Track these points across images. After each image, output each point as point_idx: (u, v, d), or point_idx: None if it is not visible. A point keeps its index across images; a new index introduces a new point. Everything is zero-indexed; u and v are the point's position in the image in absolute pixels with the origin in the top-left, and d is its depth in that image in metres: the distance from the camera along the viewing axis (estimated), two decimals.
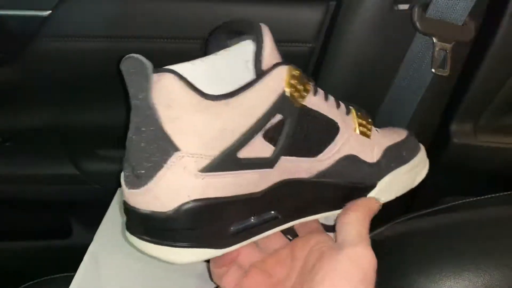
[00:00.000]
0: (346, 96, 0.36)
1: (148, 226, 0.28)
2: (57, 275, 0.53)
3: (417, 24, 0.39)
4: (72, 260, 0.46)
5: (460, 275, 0.44)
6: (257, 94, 0.27)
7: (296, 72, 0.29)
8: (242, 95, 0.27)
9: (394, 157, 0.35)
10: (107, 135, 0.54)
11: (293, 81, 0.29)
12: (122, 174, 0.28)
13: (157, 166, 0.26)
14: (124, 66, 0.26)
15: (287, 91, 0.28)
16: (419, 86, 0.43)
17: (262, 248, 0.36)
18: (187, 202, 0.26)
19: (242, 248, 0.33)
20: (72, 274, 0.45)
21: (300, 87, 0.29)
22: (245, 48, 0.30)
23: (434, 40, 0.40)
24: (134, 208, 0.27)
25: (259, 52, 0.28)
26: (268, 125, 0.28)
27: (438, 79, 0.43)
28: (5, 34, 0.44)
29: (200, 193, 0.26)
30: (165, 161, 0.26)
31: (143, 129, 0.26)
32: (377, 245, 0.48)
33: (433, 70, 0.40)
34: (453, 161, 0.56)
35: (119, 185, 0.55)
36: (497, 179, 0.58)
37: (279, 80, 0.28)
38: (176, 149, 0.26)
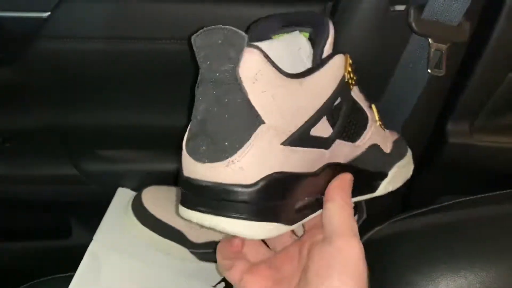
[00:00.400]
0: None
1: (223, 200, 0.27)
2: (57, 275, 0.53)
3: (413, 25, 0.40)
4: (72, 260, 0.46)
5: (456, 274, 0.44)
6: (324, 77, 0.29)
7: (351, 62, 0.32)
8: (312, 76, 0.28)
9: (397, 151, 0.39)
10: (107, 136, 0.55)
11: (349, 69, 0.31)
12: (189, 149, 0.28)
13: (243, 138, 0.26)
14: (208, 37, 0.26)
15: (346, 76, 0.31)
16: (415, 87, 0.44)
17: (271, 246, 0.36)
18: (270, 175, 0.27)
19: (250, 245, 0.35)
20: (72, 274, 0.45)
21: (353, 75, 0.32)
22: (296, 38, 0.32)
23: (430, 41, 0.40)
24: (208, 182, 0.27)
25: (324, 41, 0.30)
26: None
27: (434, 80, 0.43)
28: (4, 35, 0.44)
29: (280, 167, 0.27)
30: (250, 133, 0.26)
31: (226, 100, 0.26)
32: (374, 244, 0.48)
33: (429, 70, 0.41)
34: (449, 161, 0.56)
35: (119, 185, 0.56)
36: (493, 178, 0.59)
37: (340, 67, 0.30)
38: (261, 122, 0.26)
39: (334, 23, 0.44)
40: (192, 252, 0.48)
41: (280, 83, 0.27)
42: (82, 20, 0.44)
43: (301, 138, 0.28)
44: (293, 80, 0.27)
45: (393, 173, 0.38)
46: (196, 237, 0.48)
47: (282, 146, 0.27)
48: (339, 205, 0.32)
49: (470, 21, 0.43)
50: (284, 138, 0.27)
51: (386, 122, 0.48)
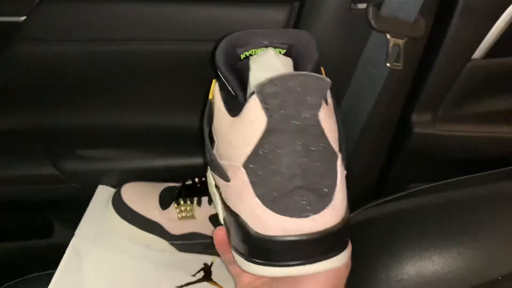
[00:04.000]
0: None
1: (328, 243, 0.27)
2: (40, 273, 0.54)
3: (372, 22, 0.42)
4: (55, 258, 0.47)
5: (421, 255, 0.47)
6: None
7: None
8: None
9: None
10: (86, 135, 0.55)
11: None
12: (280, 208, 0.26)
13: (334, 177, 0.27)
14: (282, 85, 0.25)
15: None
16: (377, 80, 0.46)
17: None
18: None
19: None
20: (55, 271, 0.46)
21: None
22: (279, 57, 0.32)
23: (388, 36, 0.43)
24: (314, 233, 0.26)
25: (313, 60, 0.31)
26: None
27: (395, 73, 0.46)
28: None
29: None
30: (335, 170, 0.27)
31: (313, 148, 0.26)
32: None
33: (388, 64, 0.43)
34: (415, 150, 0.59)
35: (99, 183, 0.57)
36: (456, 165, 0.61)
37: None
38: (336, 155, 0.27)
39: (301, 23, 0.46)
40: (171, 244, 0.50)
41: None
42: (59, 23, 0.45)
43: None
44: None
45: None
46: (174, 229, 0.50)
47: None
48: None
49: (426, 17, 0.45)
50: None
51: (351, 114, 0.50)
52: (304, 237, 0.26)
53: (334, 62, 0.47)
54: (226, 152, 0.29)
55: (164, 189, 0.53)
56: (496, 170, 0.52)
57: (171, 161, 0.57)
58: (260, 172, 0.27)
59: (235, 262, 0.35)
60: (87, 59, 0.48)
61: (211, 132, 0.33)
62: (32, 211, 0.64)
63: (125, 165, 0.57)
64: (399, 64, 0.43)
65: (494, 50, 0.52)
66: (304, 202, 0.26)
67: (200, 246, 0.51)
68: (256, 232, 0.27)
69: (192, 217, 0.49)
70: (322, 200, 0.26)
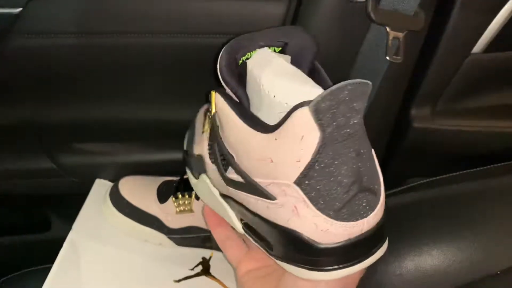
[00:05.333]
0: None
1: (377, 235, 0.28)
2: (38, 267, 0.54)
3: (371, 15, 0.41)
4: (52, 253, 0.47)
5: (419, 249, 0.46)
6: None
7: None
8: None
9: None
10: (83, 129, 0.55)
11: None
12: (344, 216, 0.27)
13: (378, 174, 0.28)
14: (333, 99, 0.25)
15: None
16: (377, 74, 0.46)
17: None
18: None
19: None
20: (52, 265, 0.46)
21: None
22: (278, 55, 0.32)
23: (388, 29, 0.42)
24: (371, 230, 0.27)
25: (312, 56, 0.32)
26: None
27: (394, 67, 0.45)
28: None
29: None
30: (376, 167, 0.28)
31: (363, 151, 0.26)
32: None
33: (387, 57, 0.43)
34: (414, 144, 0.59)
35: (96, 177, 0.57)
36: (455, 159, 0.61)
37: None
38: (371, 150, 0.28)
39: (299, 16, 0.46)
40: (169, 238, 0.50)
41: None
42: (55, 15, 0.44)
43: None
44: None
45: None
46: (172, 222, 0.50)
47: None
48: None
49: (426, 10, 0.45)
50: None
51: None
52: (364, 236, 0.27)
53: (332, 56, 0.46)
54: (261, 170, 0.28)
55: (162, 183, 0.53)
56: (496, 165, 0.52)
57: (169, 155, 0.57)
58: (318, 187, 0.27)
59: (227, 238, 0.38)
60: (83, 52, 0.47)
61: (214, 148, 0.33)
62: (29, 205, 0.64)
63: (122, 159, 0.57)
64: (399, 57, 0.43)
65: (494, 45, 0.52)
66: (364, 204, 0.27)
67: (198, 240, 0.50)
68: (322, 243, 0.28)
69: (190, 211, 0.49)
70: (375, 197, 0.27)
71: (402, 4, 0.42)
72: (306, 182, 0.27)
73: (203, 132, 0.39)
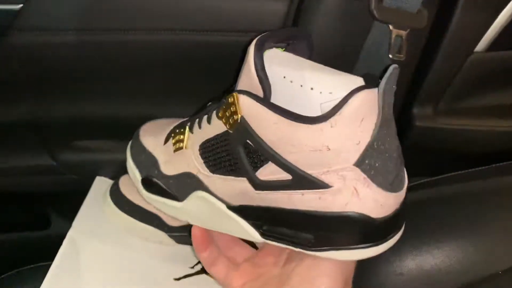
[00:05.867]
0: None
1: (401, 221, 0.32)
2: (38, 264, 0.53)
3: (375, 12, 0.41)
4: (52, 250, 0.47)
5: (421, 249, 0.46)
6: None
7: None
8: None
9: None
10: (83, 126, 0.55)
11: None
12: (393, 187, 0.30)
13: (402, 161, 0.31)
14: (392, 83, 0.28)
15: None
16: (378, 72, 0.45)
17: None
18: None
19: (235, 246, 0.38)
20: (52, 263, 0.46)
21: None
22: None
23: (391, 27, 0.42)
24: (395, 210, 0.30)
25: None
26: None
27: (398, 65, 0.45)
28: None
29: None
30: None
31: (396, 136, 0.30)
32: None
33: (390, 55, 0.42)
34: (416, 143, 0.58)
35: (96, 175, 0.56)
36: (458, 159, 0.61)
37: None
38: None
39: (302, 14, 0.46)
40: (170, 236, 0.50)
41: None
42: (56, 12, 0.44)
43: None
44: None
45: None
46: (173, 220, 0.49)
47: None
48: None
49: (429, 8, 0.45)
50: None
51: None
52: (403, 204, 0.31)
53: (335, 54, 0.46)
54: (315, 161, 0.29)
55: None
56: (498, 164, 0.52)
57: None
58: (376, 164, 0.29)
59: (215, 260, 0.37)
60: (85, 49, 0.47)
61: (222, 155, 0.33)
62: (29, 202, 0.64)
63: (123, 157, 0.56)
64: (402, 55, 0.42)
65: (497, 43, 0.52)
66: (402, 174, 0.31)
67: None
68: (378, 217, 0.30)
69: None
70: (400, 182, 0.31)
71: (406, 1, 0.42)
72: (366, 161, 0.28)
73: (178, 149, 0.38)
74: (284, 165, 0.30)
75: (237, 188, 0.33)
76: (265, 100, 0.30)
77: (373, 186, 0.29)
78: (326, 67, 0.32)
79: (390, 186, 0.29)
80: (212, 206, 0.36)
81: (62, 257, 0.45)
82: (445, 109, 0.57)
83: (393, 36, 0.42)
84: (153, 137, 0.44)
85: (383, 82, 0.27)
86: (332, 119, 0.28)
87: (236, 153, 0.32)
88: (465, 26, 0.50)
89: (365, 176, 0.29)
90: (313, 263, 0.32)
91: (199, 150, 0.36)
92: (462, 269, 0.45)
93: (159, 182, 0.40)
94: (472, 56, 0.53)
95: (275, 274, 0.35)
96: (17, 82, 0.50)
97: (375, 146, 0.28)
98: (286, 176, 0.30)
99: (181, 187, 0.38)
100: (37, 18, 0.44)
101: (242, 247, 0.39)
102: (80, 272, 0.44)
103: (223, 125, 0.33)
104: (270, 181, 0.31)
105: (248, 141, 0.31)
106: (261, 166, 0.31)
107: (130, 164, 0.45)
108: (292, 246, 0.32)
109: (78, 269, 0.45)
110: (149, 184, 0.42)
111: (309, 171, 0.29)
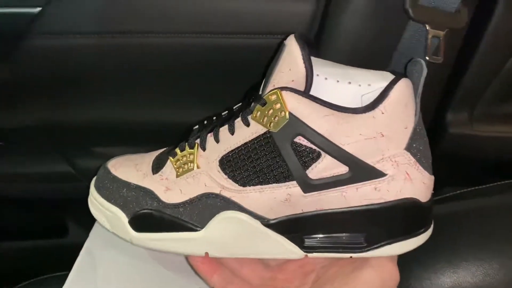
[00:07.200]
0: None
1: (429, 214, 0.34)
2: (54, 274, 0.53)
3: (410, 11, 0.39)
4: (69, 259, 0.46)
5: (458, 266, 0.44)
6: None
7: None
8: None
9: None
10: (100, 132, 0.54)
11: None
12: (427, 168, 0.32)
13: None
14: (414, 71, 0.32)
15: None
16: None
17: (263, 261, 0.37)
18: None
19: (246, 263, 0.36)
20: (69, 272, 0.45)
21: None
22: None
23: (427, 27, 0.39)
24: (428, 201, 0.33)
25: None
26: None
27: (432, 67, 0.42)
28: None
29: None
30: None
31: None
32: None
33: (427, 57, 0.40)
34: (450, 151, 0.56)
35: None
36: (495, 168, 0.58)
37: None
38: None
39: (329, 13, 0.44)
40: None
41: None
42: (74, 15, 0.43)
43: None
44: None
45: None
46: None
47: None
48: None
49: (468, 7, 0.42)
50: None
51: None
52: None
53: (365, 55, 0.44)
54: (370, 149, 0.30)
55: None
56: None
57: None
58: (421, 147, 0.31)
59: (229, 283, 0.35)
60: (103, 53, 0.46)
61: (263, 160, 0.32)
62: (47, 210, 0.63)
63: None
64: (439, 57, 0.40)
65: None
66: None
67: None
68: (426, 201, 0.32)
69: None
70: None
71: (444, 0, 0.39)
72: (414, 145, 0.31)
73: (186, 171, 0.35)
74: (342, 156, 0.30)
75: (279, 197, 0.32)
76: (309, 95, 0.30)
77: (421, 169, 0.31)
78: (351, 66, 0.34)
79: (431, 169, 0.32)
80: (245, 226, 0.33)
81: (78, 268, 0.44)
82: (481, 115, 0.54)
83: (430, 36, 0.39)
84: (130, 169, 0.39)
85: (424, 72, 0.31)
86: (381, 106, 0.29)
87: (284, 153, 0.31)
88: (506, 25, 0.47)
89: (415, 160, 0.30)
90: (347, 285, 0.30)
91: (219, 165, 0.34)
92: None
93: (164, 214, 0.35)
94: None
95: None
96: (34, 86, 0.49)
97: (418, 130, 0.31)
98: (342, 170, 0.31)
99: (198, 213, 0.34)
100: (55, 21, 0.43)
101: (253, 265, 0.36)
102: (97, 283, 0.43)
103: (257, 129, 0.32)
104: (323, 178, 0.31)
105: (299, 136, 0.30)
106: (314, 163, 0.31)
107: (104, 206, 0.38)
108: (342, 252, 0.32)
109: (95, 279, 0.43)
110: (144, 222, 0.36)
111: (367, 161, 0.30)
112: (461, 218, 0.47)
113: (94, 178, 0.41)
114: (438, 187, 0.59)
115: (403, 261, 0.44)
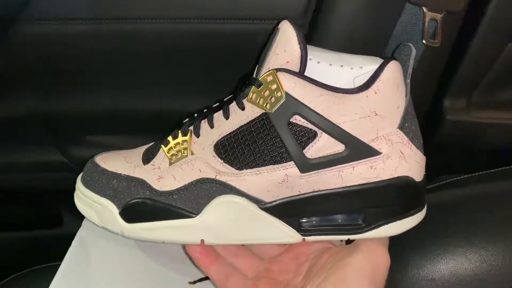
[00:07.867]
0: None
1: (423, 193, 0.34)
2: (49, 264, 0.52)
3: None
4: (64, 249, 0.45)
5: (454, 252, 0.44)
6: None
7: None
8: None
9: None
10: (94, 121, 0.53)
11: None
12: (420, 148, 0.33)
13: None
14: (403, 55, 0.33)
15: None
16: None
17: (257, 253, 0.37)
18: None
19: (241, 256, 0.36)
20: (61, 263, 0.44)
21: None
22: None
23: (424, 10, 0.39)
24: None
25: None
26: None
27: (429, 52, 0.42)
28: None
29: None
30: None
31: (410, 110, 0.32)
32: None
33: (424, 41, 0.39)
34: (447, 138, 0.55)
35: None
36: (492, 155, 0.58)
37: None
38: None
39: None
40: None
41: None
42: (66, 1, 0.42)
43: None
44: None
45: None
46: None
47: None
48: None
49: None
50: None
51: None
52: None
53: (361, 40, 0.43)
54: (365, 128, 0.31)
55: None
56: None
57: None
58: (413, 127, 0.32)
59: (228, 275, 0.35)
60: (97, 39, 0.45)
61: (264, 141, 0.32)
62: (41, 200, 0.63)
63: None
64: (436, 41, 0.39)
65: None
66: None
67: None
68: (420, 180, 0.33)
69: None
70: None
71: None
72: (406, 125, 0.31)
73: (180, 158, 0.35)
74: (339, 134, 0.31)
75: (276, 178, 0.32)
76: (305, 76, 0.31)
77: (414, 148, 0.32)
78: (343, 53, 0.34)
79: (422, 150, 0.33)
80: (242, 210, 0.33)
81: (71, 257, 0.44)
82: (479, 102, 0.54)
83: (427, 19, 0.39)
84: (119, 162, 0.38)
85: (413, 54, 0.32)
86: (374, 86, 0.30)
87: (281, 134, 0.31)
88: (504, 11, 0.46)
89: (408, 139, 0.31)
90: (340, 276, 0.30)
91: (214, 150, 0.33)
92: (501, 275, 0.42)
93: (157, 202, 0.35)
94: (510, 44, 0.49)
95: (298, 281, 0.33)
96: (26, 74, 0.48)
97: (409, 110, 0.32)
98: (338, 149, 0.31)
99: (193, 199, 0.34)
100: (47, 7, 0.42)
101: (248, 258, 0.36)
102: (90, 272, 0.43)
103: (252, 112, 0.32)
104: (320, 157, 0.31)
105: (296, 116, 0.31)
106: (310, 142, 0.31)
107: (93, 199, 0.37)
108: (340, 234, 0.33)
109: (87, 269, 0.43)
110: (136, 212, 0.35)
111: (363, 139, 0.31)
112: (458, 205, 0.47)
113: (81, 174, 0.40)
114: (436, 174, 0.60)
115: (401, 248, 0.44)
